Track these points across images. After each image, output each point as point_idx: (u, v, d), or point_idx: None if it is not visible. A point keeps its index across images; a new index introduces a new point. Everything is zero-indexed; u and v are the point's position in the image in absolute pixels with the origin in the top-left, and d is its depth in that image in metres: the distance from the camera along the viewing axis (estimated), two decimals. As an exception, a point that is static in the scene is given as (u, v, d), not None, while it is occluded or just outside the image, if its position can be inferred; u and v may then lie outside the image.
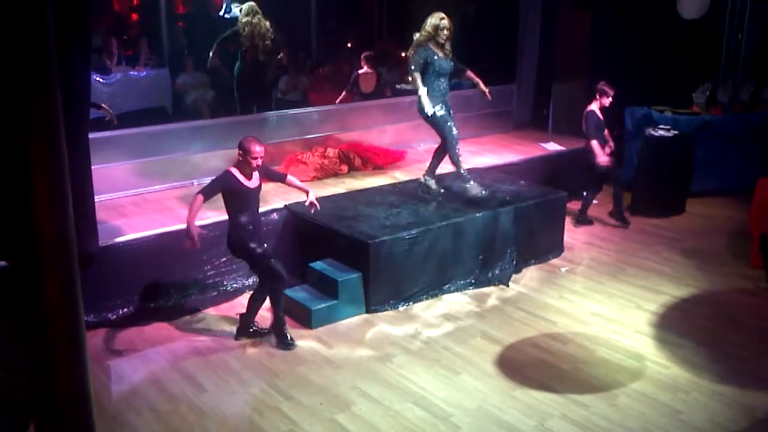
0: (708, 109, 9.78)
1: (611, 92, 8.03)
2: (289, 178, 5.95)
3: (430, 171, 7.39)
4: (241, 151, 5.42)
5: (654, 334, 5.90)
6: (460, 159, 7.18)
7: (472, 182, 7.21)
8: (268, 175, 5.80)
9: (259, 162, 5.45)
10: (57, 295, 1.33)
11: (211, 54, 9.06)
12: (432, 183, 7.36)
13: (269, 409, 4.84)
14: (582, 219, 8.41)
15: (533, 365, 5.42)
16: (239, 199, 5.47)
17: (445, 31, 6.92)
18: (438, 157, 7.33)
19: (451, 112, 7.17)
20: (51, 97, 1.29)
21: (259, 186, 5.58)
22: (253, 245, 5.52)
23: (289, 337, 5.66)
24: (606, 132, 8.30)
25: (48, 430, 1.46)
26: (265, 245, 5.69)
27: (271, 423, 4.68)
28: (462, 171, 7.20)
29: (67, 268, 1.34)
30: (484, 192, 7.19)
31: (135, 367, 5.41)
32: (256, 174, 5.53)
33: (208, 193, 5.44)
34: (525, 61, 10.67)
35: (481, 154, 9.20)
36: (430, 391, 5.05)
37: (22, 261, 1.34)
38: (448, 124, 7.02)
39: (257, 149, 5.39)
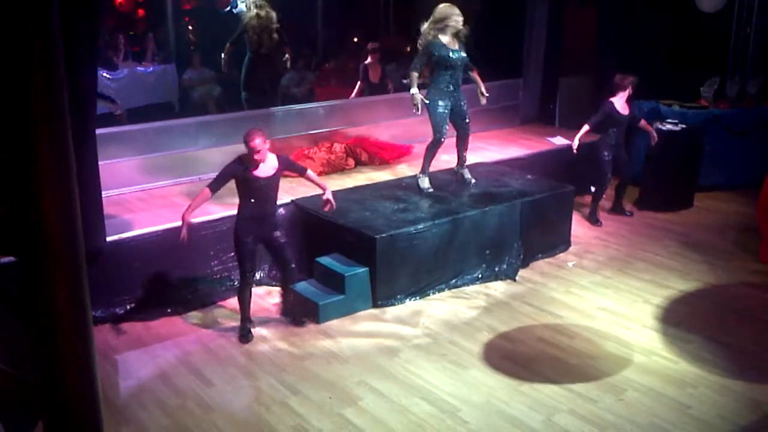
0: (716, 103, 9.73)
1: (626, 81, 7.92)
2: (309, 173, 5.92)
3: (460, 162, 7.44)
4: (245, 145, 5.42)
5: (661, 329, 5.89)
6: (432, 157, 7.22)
7: (423, 177, 7.27)
8: (290, 167, 5.78)
9: (261, 156, 5.37)
10: (65, 291, 1.33)
11: (223, 56, 9.07)
12: (465, 172, 7.44)
13: (276, 404, 4.85)
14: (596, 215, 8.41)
15: (540, 360, 5.42)
16: (244, 187, 5.49)
17: (457, 18, 6.85)
18: (461, 146, 7.36)
19: (462, 106, 7.10)
20: (58, 95, 1.29)
21: (272, 177, 5.51)
22: (244, 237, 5.53)
23: (247, 332, 5.73)
24: (643, 123, 8.29)
25: (56, 425, 1.47)
26: (275, 239, 5.66)
27: (278, 417, 4.69)
28: (425, 167, 7.27)
29: (74, 264, 1.34)
30: (429, 189, 7.23)
31: (142, 362, 5.43)
32: (271, 163, 5.49)
33: (214, 185, 5.45)
34: (532, 55, 10.62)
35: (488, 149, 9.18)
36: (438, 386, 5.05)
37: (30, 257, 1.35)
38: (439, 123, 6.98)
39: (256, 142, 5.31)
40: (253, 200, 5.51)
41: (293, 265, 5.87)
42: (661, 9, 9.98)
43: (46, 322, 1.36)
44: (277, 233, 5.71)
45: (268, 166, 5.50)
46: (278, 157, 5.60)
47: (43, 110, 1.29)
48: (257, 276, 6.36)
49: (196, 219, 6.23)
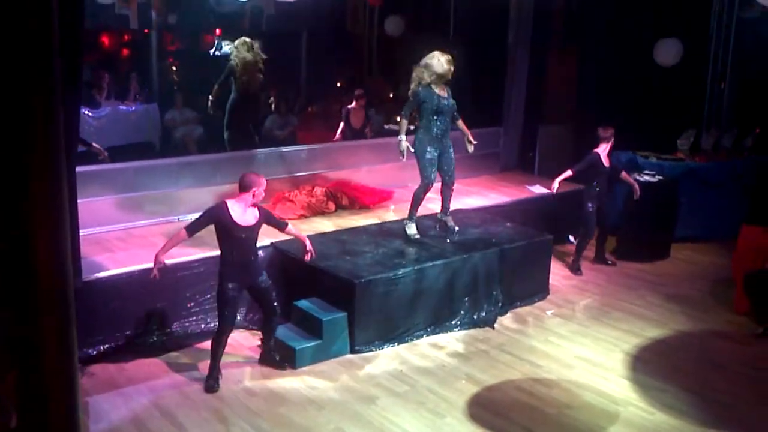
0: (692, 155, 9.91)
1: (605, 134, 8.11)
2: (289, 227, 5.91)
3: (444, 209, 7.42)
4: (240, 186, 5.45)
5: (638, 379, 5.89)
6: (419, 203, 7.21)
7: (411, 223, 7.26)
8: (270, 222, 5.75)
9: (259, 199, 5.49)
10: (53, 329, 1.31)
11: (210, 97, 9.14)
12: (449, 219, 7.41)
13: (250, 450, 4.77)
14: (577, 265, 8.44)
15: (518, 409, 5.39)
16: (226, 234, 5.44)
17: (446, 65, 6.93)
18: (445, 193, 7.36)
19: (449, 154, 7.14)
20: (55, 140, 1.29)
21: (255, 226, 5.52)
22: (227, 283, 5.47)
23: (214, 382, 5.57)
24: (624, 174, 8.43)
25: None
26: (259, 283, 5.62)
27: (252, 464, 4.61)
28: (412, 213, 7.26)
29: (63, 305, 1.32)
30: (417, 235, 7.21)
31: (115, 405, 5.32)
32: (252, 212, 5.51)
33: (192, 227, 5.43)
34: (512, 104, 10.76)
35: (468, 196, 9.24)
36: (414, 434, 5.00)
37: (20, 300, 1.33)
38: (427, 168, 7.02)
39: (261, 190, 5.47)
40: (234, 248, 5.46)
41: (277, 310, 5.79)
42: (639, 62, 10.20)
43: (32, 363, 1.34)
44: (262, 278, 5.67)
45: (250, 214, 5.50)
46: (259, 208, 5.61)
47: (39, 154, 1.29)
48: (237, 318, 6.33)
49: (174, 260, 6.19)
